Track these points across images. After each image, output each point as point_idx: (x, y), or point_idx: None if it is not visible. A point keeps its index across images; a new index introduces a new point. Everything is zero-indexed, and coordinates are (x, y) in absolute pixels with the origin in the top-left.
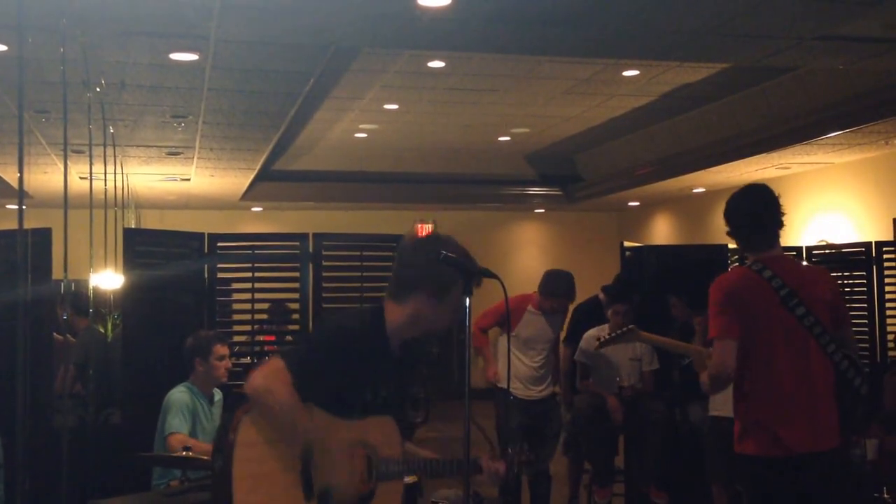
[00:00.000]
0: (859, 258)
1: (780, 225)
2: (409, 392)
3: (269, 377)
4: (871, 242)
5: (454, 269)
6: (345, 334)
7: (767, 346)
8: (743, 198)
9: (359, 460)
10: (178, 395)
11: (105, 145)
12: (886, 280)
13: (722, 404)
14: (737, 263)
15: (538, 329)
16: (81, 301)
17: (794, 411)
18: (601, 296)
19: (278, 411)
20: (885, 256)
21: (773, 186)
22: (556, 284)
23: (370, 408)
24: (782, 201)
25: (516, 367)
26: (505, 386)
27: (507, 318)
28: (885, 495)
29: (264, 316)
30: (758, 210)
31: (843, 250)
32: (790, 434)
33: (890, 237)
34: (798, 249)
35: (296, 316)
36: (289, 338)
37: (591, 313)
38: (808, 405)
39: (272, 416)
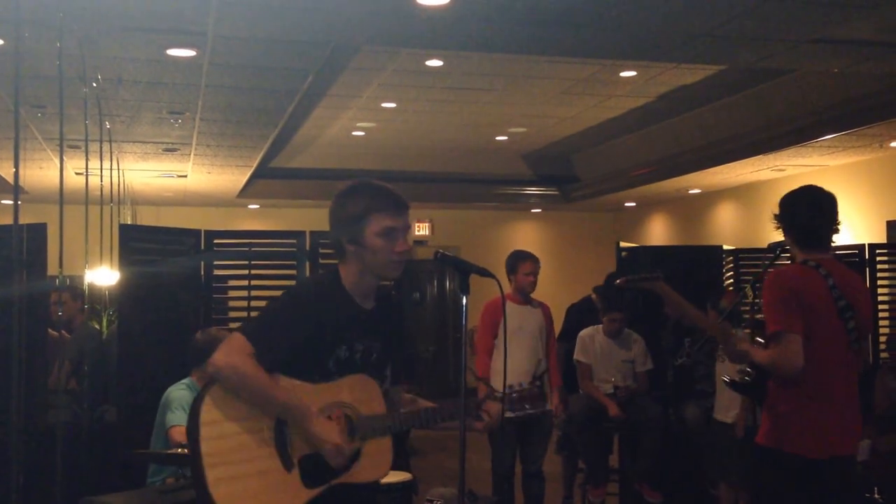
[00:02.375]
0: (852, 260)
1: (837, 231)
2: (400, 342)
3: (230, 352)
4: (864, 245)
5: (448, 264)
6: (298, 294)
7: (823, 347)
8: (810, 196)
9: (336, 421)
10: (179, 391)
11: (101, 141)
12: (879, 283)
13: (727, 409)
14: (731, 265)
15: (522, 318)
16: (78, 292)
17: (841, 414)
18: (594, 296)
19: (243, 384)
20: (878, 259)
21: (767, 188)
22: (518, 255)
23: (348, 365)
24: (777, 203)
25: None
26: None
27: (503, 316)
28: (877, 496)
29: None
30: (823, 211)
31: (837, 252)
32: (836, 437)
33: (883, 240)
34: None
35: None
36: None
37: (583, 314)
38: (852, 411)
39: (238, 391)
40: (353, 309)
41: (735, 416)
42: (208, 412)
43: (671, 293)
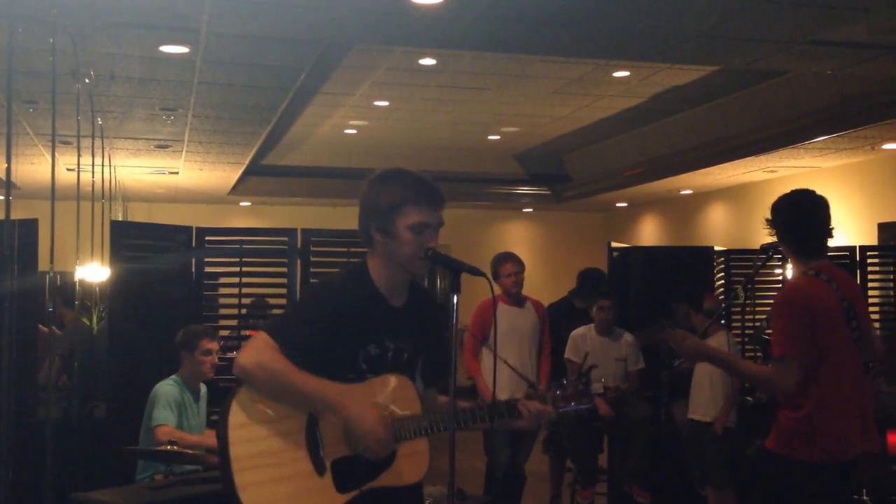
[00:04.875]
0: (844, 262)
1: (832, 236)
2: (434, 341)
3: (254, 350)
4: (855, 247)
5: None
6: (323, 289)
7: (835, 355)
8: (804, 204)
9: None
10: (167, 387)
11: (93, 137)
12: (870, 284)
13: (702, 407)
14: (722, 266)
15: (512, 320)
16: (68, 293)
17: (853, 417)
18: (574, 301)
19: (272, 380)
20: (869, 261)
21: (759, 190)
22: (499, 258)
23: (380, 363)
24: (768, 205)
25: (503, 379)
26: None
27: (493, 315)
28: (865, 497)
29: None
30: (818, 219)
31: (828, 254)
32: (848, 440)
33: (874, 242)
34: None
35: (278, 311)
36: None
37: (562, 313)
38: (864, 410)
39: (268, 388)
40: (381, 306)
41: (714, 414)
42: (236, 415)
43: (681, 335)
